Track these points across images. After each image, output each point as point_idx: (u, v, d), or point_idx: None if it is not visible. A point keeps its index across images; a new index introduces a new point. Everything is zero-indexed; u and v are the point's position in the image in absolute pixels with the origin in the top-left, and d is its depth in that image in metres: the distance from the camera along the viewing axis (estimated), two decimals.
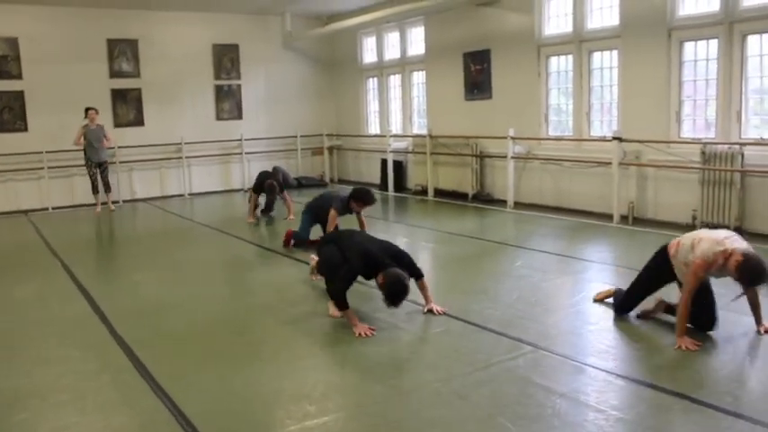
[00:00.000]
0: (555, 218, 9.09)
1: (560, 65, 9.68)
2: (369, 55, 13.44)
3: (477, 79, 10.79)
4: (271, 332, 4.92)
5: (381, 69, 13.07)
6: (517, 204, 9.97)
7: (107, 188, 11.30)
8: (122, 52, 12.15)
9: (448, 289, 5.89)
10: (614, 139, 8.38)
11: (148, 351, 4.47)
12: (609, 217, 8.56)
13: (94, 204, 11.33)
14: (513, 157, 9.92)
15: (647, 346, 4.38)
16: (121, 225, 10.49)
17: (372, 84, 13.51)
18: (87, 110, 11.00)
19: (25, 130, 11.43)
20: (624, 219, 8.47)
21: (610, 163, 8.48)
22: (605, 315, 4.89)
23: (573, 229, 8.39)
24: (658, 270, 4.64)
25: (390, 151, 12.15)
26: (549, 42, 9.63)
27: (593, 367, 3.94)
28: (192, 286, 6.30)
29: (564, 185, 9.60)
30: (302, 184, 13.54)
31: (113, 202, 11.56)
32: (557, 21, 9.58)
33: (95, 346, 4.69)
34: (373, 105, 13.62)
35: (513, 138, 9.83)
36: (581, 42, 9.15)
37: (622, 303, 4.84)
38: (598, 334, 4.56)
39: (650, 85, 8.27)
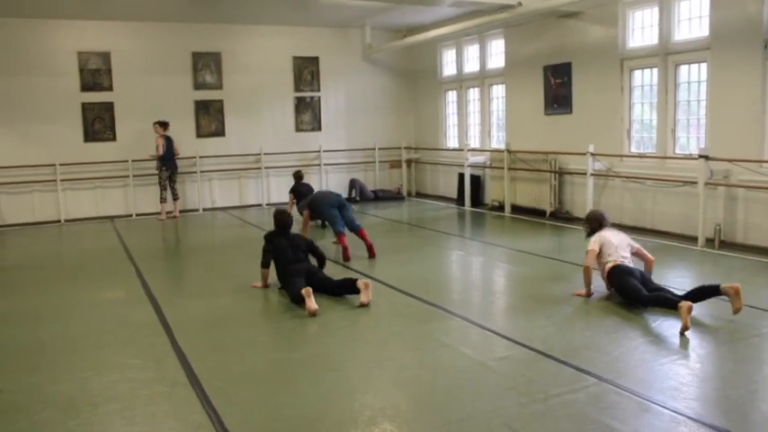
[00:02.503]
0: (635, 238, 8.60)
1: (644, 79, 9.25)
2: (448, 68, 13.30)
3: (558, 93, 10.47)
4: (325, 349, 4.84)
5: (461, 82, 12.91)
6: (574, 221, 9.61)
7: (175, 197, 11.78)
8: (206, 65, 12.51)
9: (512, 312, 5.66)
10: (701, 157, 7.91)
11: (203, 364, 4.49)
12: (693, 239, 8.08)
13: (169, 212, 11.76)
14: (592, 174, 9.56)
15: (723, 385, 4.03)
16: (196, 234, 10.75)
17: (451, 97, 13.36)
18: (165, 123, 11.56)
19: (114, 139, 11.92)
20: (710, 242, 7.97)
21: (695, 182, 8.01)
22: (680, 348, 4.56)
23: (653, 251, 7.88)
24: None
25: (468, 165, 11.96)
26: (632, 55, 9.22)
27: (661, 405, 3.65)
28: (253, 300, 6.32)
29: (646, 205, 9.14)
30: (379, 196, 13.53)
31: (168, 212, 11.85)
32: (641, 32, 9.17)
33: (154, 355, 4.76)
34: (452, 119, 13.46)
35: (593, 154, 9.47)
36: (667, 55, 8.71)
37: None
38: (670, 368, 4.23)
39: (742, 100, 7.76)
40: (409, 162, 14.32)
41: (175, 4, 10.84)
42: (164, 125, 11.59)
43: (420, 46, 13.39)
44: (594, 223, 6.32)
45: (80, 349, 4.96)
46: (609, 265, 5.81)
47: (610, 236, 6.09)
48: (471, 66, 12.61)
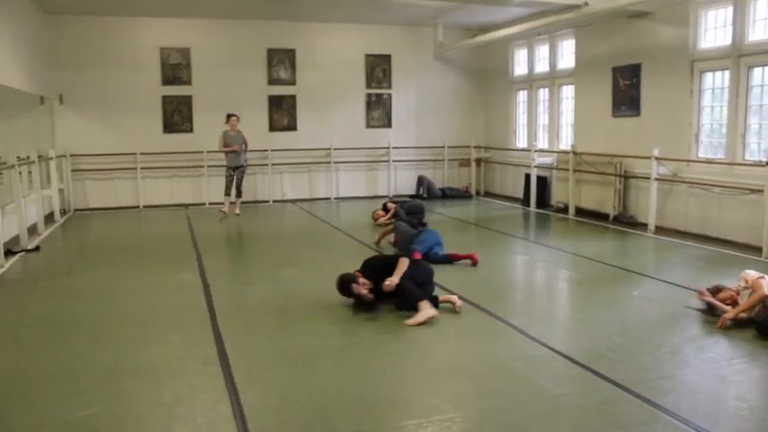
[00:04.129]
0: (697, 246, 8.40)
1: (716, 81, 8.93)
2: (520, 67, 13.20)
3: (626, 95, 10.23)
4: (358, 340, 5.00)
5: (531, 82, 12.79)
6: (659, 229, 9.33)
7: (238, 193, 11.60)
8: (280, 61, 12.94)
9: (546, 316, 5.66)
10: None
11: (236, 345, 4.75)
12: (758, 250, 7.76)
13: (231, 204, 11.72)
14: (656, 179, 9.31)
15: (747, 405, 3.92)
16: (263, 224, 11.15)
17: (522, 96, 13.25)
18: (230, 116, 11.44)
19: (191, 131, 12.52)
20: None
21: (762, 190, 7.69)
22: (712, 362, 4.45)
23: (713, 260, 7.69)
24: None
25: (534, 166, 11.85)
26: (704, 57, 8.92)
27: (667, 412, 3.61)
28: (299, 289, 6.53)
29: (712, 212, 8.82)
30: (446, 194, 13.59)
31: (230, 204, 11.62)
32: (714, 33, 8.85)
33: (194, 335, 5.04)
34: (522, 119, 13.35)
35: (657, 158, 9.22)
36: (739, 57, 8.38)
37: None
38: (696, 378, 4.16)
39: None
40: (479, 161, 14.30)
41: (252, 3, 11.27)
42: (228, 118, 11.55)
43: (492, 45, 13.35)
44: None
45: (128, 325, 5.34)
46: None
47: None
48: (542, 66, 12.47)
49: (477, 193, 14.12)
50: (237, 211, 11.55)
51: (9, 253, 8.13)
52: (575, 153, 10.90)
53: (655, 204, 9.36)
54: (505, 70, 13.52)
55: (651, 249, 8.57)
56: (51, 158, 10.74)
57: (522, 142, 13.34)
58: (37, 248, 8.59)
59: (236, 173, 11.50)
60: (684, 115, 9.21)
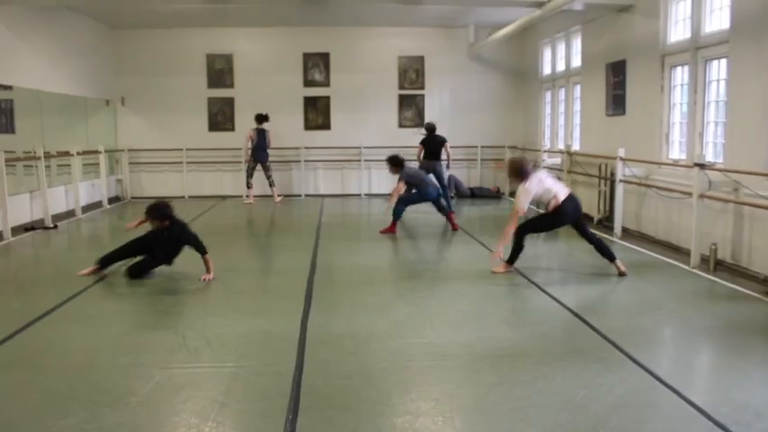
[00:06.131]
0: (636, 251, 7.96)
1: (684, 77, 8.29)
2: (547, 66, 12.86)
3: (616, 93, 9.73)
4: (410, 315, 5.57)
5: (553, 81, 12.44)
6: (628, 234, 8.88)
7: (271, 183, 12.98)
8: (315, 64, 13.76)
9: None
10: (696, 165, 7.02)
11: (315, 322, 5.19)
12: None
13: (270, 196, 13.08)
14: (622, 181, 8.83)
15: None
16: (296, 213, 11.94)
17: (548, 96, 12.91)
18: (261, 116, 12.71)
19: (232, 129, 13.71)
20: (705, 262, 7.05)
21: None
22: None
23: (643, 266, 7.26)
24: None
25: (544, 167, 11.57)
26: (671, 51, 8.34)
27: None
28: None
29: (673, 217, 8.21)
30: (475, 194, 13.59)
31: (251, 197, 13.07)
32: (683, 25, 8.22)
33: (286, 311, 5.50)
34: (548, 119, 13.00)
35: (622, 159, 8.75)
36: (697, 49, 7.77)
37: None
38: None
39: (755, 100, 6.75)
40: None
41: (289, 11, 12.17)
42: (259, 119, 12.86)
43: (524, 45, 13.17)
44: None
45: (218, 305, 5.85)
46: None
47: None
48: (561, 65, 12.09)
49: (512, 194, 13.88)
50: (277, 200, 13.05)
51: (30, 229, 9.72)
52: (568, 154, 10.55)
53: (621, 207, 8.89)
54: (536, 70, 13.23)
55: (580, 252, 8.21)
56: (100, 152, 12.43)
57: (547, 142, 12.99)
58: (55, 227, 10.11)
59: (264, 167, 12.99)
60: (658, 114, 8.66)
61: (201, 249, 6.61)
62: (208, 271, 6.57)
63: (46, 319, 5.34)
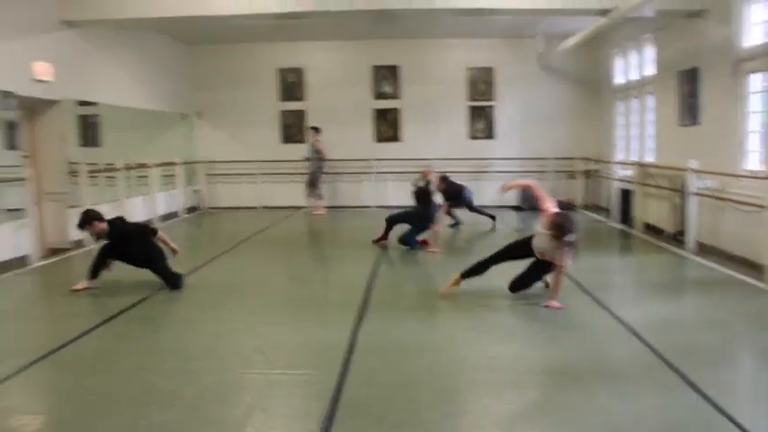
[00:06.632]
0: (712, 268, 7.60)
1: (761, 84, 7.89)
2: (619, 75, 12.48)
3: (689, 102, 9.35)
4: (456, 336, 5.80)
5: (626, 91, 12.06)
6: (705, 250, 8.47)
7: (318, 196, 13.38)
8: (384, 77, 13.89)
9: None
10: None
11: (365, 331, 5.27)
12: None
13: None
14: (695, 194, 8.48)
15: None
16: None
17: (621, 107, 12.52)
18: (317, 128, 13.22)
19: (303, 141, 13.98)
20: None
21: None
22: None
23: (704, 283, 6.97)
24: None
25: (617, 179, 11.29)
26: (747, 56, 7.96)
27: None
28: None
29: (755, 232, 7.81)
30: None
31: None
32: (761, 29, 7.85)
33: (339, 320, 5.62)
34: (621, 130, 12.60)
35: (694, 170, 8.41)
36: None
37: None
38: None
39: None
40: (587, 173, 13.73)
41: (359, 25, 12.33)
42: (319, 131, 13.23)
43: (595, 53, 12.85)
44: None
45: (276, 313, 6.08)
46: None
47: None
48: (634, 73, 11.71)
49: (585, 207, 13.56)
50: (320, 212, 13.23)
51: None
52: (640, 165, 10.21)
53: (694, 221, 8.54)
54: (608, 79, 12.88)
55: (651, 268, 7.98)
56: (176, 164, 12.95)
57: (621, 154, 12.59)
58: None
59: (312, 178, 13.33)
60: (733, 123, 8.28)
61: (150, 232, 6.87)
62: (172, 250, 6.86)
63: (111, 322, 5.62)
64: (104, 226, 6.71)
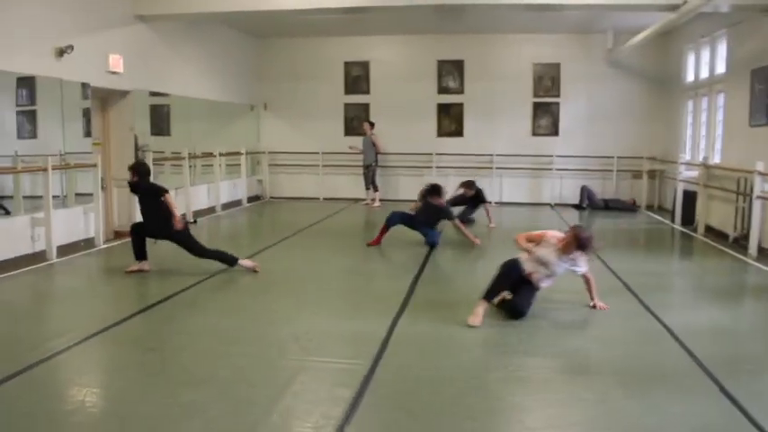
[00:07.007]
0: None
1: None
2: (690, 73, 12.04)
3: (761, 101, 8.98)
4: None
5: (696, 89, 11.64)
6: (766, 254, 8.16)
7: (374, 188, 13.60)
8: (449, 71, 13.87)
9: None
10: None
11: (402, 328, 5.27)
12: None
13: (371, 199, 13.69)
14: (759, 197, 8.15)
15: None
16: None
17: (691, 105, 12.08)
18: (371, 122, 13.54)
19: (364, 134, 14.11)
20: None
21: None
22: None
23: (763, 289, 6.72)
24: None
25: (680, 180, 10.94)
26: None
27: None
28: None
29: None
30: (609, 206, 13.05)
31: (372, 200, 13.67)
32: None
33: (375, 312, 5.64)
34: (689, 129, 12.17)
35: (761, 173, 8.08)
36: None
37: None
38: None
39: None
40: (653, 173, 13.33)
41: (424, 19, 12.35)
42: (373, 125, 13.46)
43: (666, 50, 12.47)
44: None
45: (319, 304, 6.13)
46: None
47: None
48: (704, 71, 11.29)
49: (650, 207, 13.19)
50: (373, 204, 13.38)
51: None
52: (705, 166, 9.87)
53: (758, 226, 8.22)
54: (679, 77, 12.44)
55: (708, 272, 7.74)
56: (242, 154, 13.32)
57: (687, 154, 12.16)
58: (194, 222, 10.94)
59: (368, 171, 13.49)
60: None
61: (160, 191, 7.04)
62: (173, 217, 6.97)
63: (162, 304, 5.90)
64: (136, 179, 7.16)
